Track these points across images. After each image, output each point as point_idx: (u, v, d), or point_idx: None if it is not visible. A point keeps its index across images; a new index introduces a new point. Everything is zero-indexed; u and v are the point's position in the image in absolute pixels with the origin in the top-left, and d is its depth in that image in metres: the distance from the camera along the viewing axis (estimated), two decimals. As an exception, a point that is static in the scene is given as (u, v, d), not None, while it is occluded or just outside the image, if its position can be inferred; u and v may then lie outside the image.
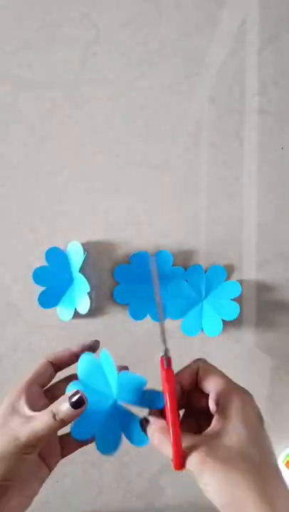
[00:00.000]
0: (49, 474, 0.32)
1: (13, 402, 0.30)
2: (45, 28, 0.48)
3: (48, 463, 0.31)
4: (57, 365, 0.34)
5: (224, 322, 0.48)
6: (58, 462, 0.32)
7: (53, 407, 0.28)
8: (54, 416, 0.28)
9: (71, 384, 0.32)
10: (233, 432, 0.26)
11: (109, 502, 0.49)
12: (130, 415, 0.31)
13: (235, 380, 0.30)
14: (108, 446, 0.31)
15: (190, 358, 0.32)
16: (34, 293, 0.47)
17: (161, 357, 0.29)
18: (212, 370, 0.30)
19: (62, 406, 0.28)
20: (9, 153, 0.49)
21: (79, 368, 0.32)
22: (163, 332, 0.29)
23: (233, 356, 0.50)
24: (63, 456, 0.33)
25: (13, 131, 0.49)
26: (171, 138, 0.50)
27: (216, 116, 0.50)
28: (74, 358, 0.34)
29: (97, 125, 0.49)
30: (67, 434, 0.32)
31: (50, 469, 0.32)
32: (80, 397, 0.28)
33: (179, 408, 0.30)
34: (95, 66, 0.49)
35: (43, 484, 0.31)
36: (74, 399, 0.28)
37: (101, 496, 0.49)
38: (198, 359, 0.31)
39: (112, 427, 0.31)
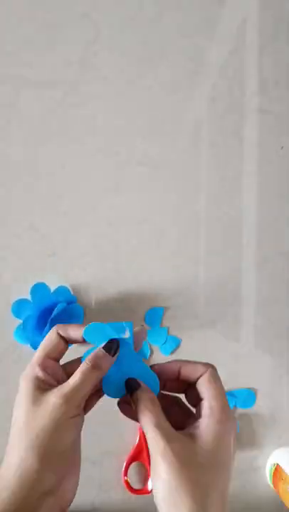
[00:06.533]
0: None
1: (33, 377, 0.29)
2: (45, 28, 0.48)
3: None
4: (68, 340, 0.32)
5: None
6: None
7: (85, 360, 0.29)
8: (91, 366, 0.28)
9: (87, 350, 0.31)
10: (206, 451, 0.27)
11: (109, 500, 0.49)
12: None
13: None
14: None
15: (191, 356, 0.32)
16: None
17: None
18: (215, 382, 0.29)
19: (96, 353, 0.29)
20: (9, 153, 0.49)
21: (86, 334, 0.31)
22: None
23: (233, 356, 0.50)
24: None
25: (14, 131, 0.49)
26: (172, 137, 0.50)
27: (216, 116, 0.50)
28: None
29: (97, 125, 0.49)
30: None
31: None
32: (111, 342, 0.29)
33: (179, 391, 0.32)
34: (95, 66, 0.49)
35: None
36: (106, 345, 0.29)
37: (101, 494, 0.49)
38: (209, 364, 0.30)
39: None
